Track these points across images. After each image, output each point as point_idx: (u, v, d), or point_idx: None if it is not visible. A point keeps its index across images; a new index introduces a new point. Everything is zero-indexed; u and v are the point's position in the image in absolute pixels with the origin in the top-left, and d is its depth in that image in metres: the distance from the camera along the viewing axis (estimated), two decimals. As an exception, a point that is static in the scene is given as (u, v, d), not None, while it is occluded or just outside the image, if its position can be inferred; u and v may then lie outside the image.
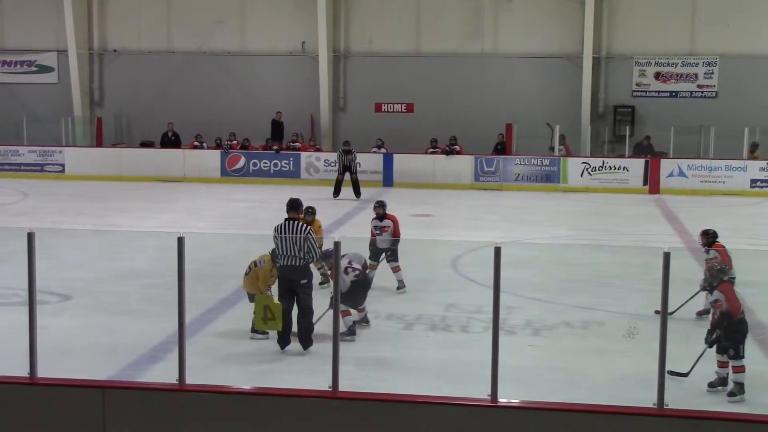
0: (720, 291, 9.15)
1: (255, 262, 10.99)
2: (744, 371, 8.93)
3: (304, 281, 10.42)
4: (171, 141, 29.00)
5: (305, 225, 10.91)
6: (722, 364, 9.14)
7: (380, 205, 13.95)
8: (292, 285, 10.39)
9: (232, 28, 30.35)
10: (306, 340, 10.27)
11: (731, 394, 9.00)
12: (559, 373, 9.92)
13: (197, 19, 30.43)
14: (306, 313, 10.38)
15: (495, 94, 29.17)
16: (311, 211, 12.99)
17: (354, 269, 10.94)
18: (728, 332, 9.00)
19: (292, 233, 10.51)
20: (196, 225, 19.49)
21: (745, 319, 9.12)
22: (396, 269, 13.21)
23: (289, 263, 10.42)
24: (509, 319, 11.34)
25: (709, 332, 9.16)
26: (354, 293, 10.91)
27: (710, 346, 9.11)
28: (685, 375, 9.09)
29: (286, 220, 10.72)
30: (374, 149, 27.22)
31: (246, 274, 11.04)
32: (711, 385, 9.21)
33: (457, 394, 6.92)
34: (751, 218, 22.24)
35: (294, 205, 10.96)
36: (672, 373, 8.77)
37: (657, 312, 11.58)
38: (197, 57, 30.34)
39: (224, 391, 7.10)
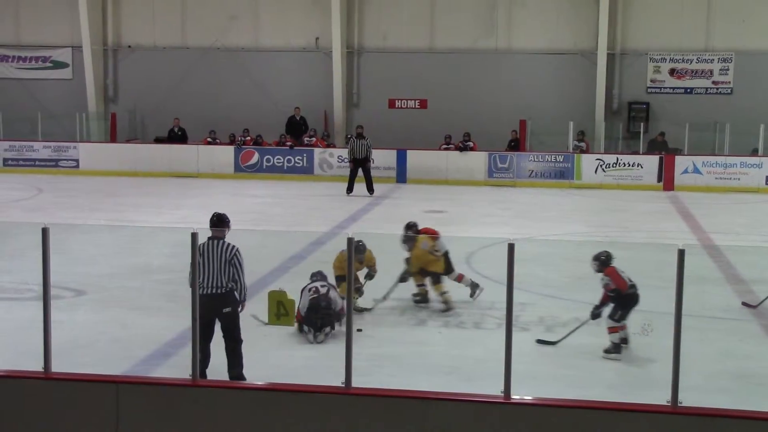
0: (606, 275, 10.28)
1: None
2: (618, 332, 10.18)
3: (227, 309, 9.08)
4: (177, 136, 29.07)
5: (231, 246, 9.19)
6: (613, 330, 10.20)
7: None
8: (212, 314, 8.99)
9: (245, 24, 30.38)
10: (238, 376, 9.03)
11: (607, 351, 10.14)
12: (572, 370, 9.91)
13: (211, 14, 30.48)
14: (234, 347, 9.14)
15: (509, 90, 29.11)
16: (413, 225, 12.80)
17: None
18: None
19: (216, 254, 9.05)
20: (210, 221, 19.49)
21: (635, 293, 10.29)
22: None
23: (210, 291, 8.94)
24: (522, 315, 11.33)
25: (596, 307, 10.36)
26: None
27: (593, 319, 10.37)
28: (554, 343, 10.37)
29: (209, 239, 9.19)
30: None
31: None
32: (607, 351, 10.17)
33: (470, 391, 6.91)
34: (766, 215, 22.16)
35: (218, 222, 9.51)
36: (540, 341, 10.44)
37: (745, 304, 12.15)
38: (211, 53, 30.38)
39: (238, 387, 7.11)
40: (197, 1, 30.55)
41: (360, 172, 24.17)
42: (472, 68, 29.36)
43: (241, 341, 9.16)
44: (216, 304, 8.99)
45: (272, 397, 6.93)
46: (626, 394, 8.75)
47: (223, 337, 9.11)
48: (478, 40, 29.33)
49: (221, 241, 9.16)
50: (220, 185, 25.86)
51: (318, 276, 11.30)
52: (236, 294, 9.13)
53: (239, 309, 9.19)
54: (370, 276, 12.11)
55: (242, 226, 19.32)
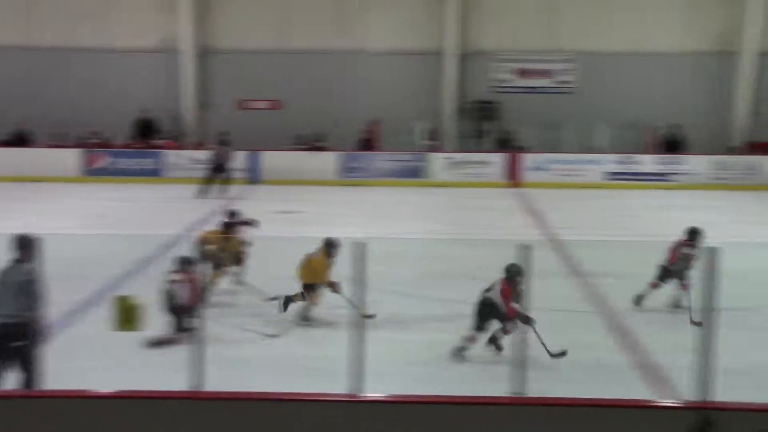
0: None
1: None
2: None
3: (17, 343, 8.04)
4: (22, 139, 28.11)
5: (29, 269, 8.12)
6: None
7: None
8: (3, 347, 8.02)
9: (94, 24, 29.59)
10: None
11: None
12: (420, 366, 10.14)
13: (59, 14, 29.57)
14: (28, 384, 8.08)
15: (361, 90, 29.33)
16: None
17: None
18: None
19: (10, 278, 8.12)
20: (57, 225, 18.99)
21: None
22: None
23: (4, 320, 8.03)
24: (374, 313, 11.45)
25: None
26: None
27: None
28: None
29: (13, 260, 8.26)
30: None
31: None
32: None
33: (321, 390, 6.93)
34: (606, 210, 22.99)
35: (24, 244, 8.18)
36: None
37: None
38: (58, 53, 29.48)
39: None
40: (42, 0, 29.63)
41: (218, 176, 24.17)
42: (325, 68, 29.44)
43: (37, 379, 8.07)
44: (5, 335, 7.96)
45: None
46: (468, 389, 8.97)
47: (18, 372, 8.12)
48: (331, 41, 29.41)
49: (21, 264, 8.14)
50: (67, 189, 25.13)
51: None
52: (32, 326, 8.06)
53: (39, 342, 8.16)
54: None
55: (90, 231, 18.95)
